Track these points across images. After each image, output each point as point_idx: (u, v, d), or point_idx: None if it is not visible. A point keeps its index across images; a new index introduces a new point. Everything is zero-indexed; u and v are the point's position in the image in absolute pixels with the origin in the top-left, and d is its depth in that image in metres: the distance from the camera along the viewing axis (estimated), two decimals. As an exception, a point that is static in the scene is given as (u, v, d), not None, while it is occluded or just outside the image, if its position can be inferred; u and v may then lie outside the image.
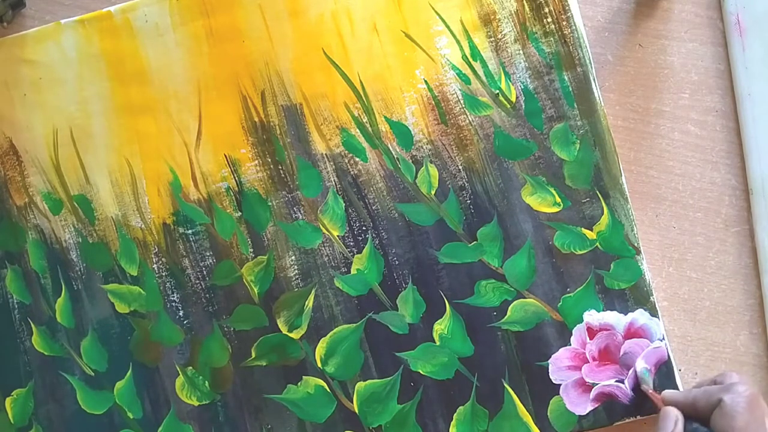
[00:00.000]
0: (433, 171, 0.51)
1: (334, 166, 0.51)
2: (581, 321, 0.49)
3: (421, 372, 0.50)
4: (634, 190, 0.51)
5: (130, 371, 0.51)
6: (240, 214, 0.51)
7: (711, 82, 0.52)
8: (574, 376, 0.48)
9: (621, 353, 0.48)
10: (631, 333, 0.48)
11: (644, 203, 0.51)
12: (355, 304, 0.50)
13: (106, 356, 0.51)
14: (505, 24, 0.51)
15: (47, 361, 0.51)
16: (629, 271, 0.49)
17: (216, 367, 0.51)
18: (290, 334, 0.50)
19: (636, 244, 0.50)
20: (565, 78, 0.51)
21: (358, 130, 0.51)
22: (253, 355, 0.51)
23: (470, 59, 0.51)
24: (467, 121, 0.51)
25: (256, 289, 0.51)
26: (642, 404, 0.47)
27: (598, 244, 0.50)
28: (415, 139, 0.51)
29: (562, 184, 0.50)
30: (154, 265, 0.51)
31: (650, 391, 0.45)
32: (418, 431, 0.49)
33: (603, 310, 0.49)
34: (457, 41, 0.51)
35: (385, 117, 0.51)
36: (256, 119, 0.52)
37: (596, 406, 0.48)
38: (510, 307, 0.50)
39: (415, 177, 0.51)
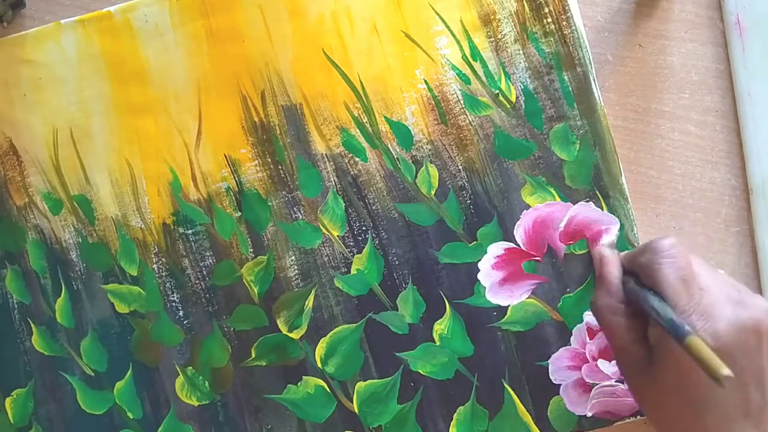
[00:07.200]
0: (433, 171, 0.51)
1: (334, 166, 0.51)
2: (581, 321, 0.49)
3: (421, 372, 0.50)
4: (634, 190, 0.51)
5: (130, 371, 0.51)
6: (240, 214, 0.51)
7: (711, 82, 0.52)
8: (574, 376, 0.48)
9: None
10: (631, 333, 0.48)
11: (644, 203, 0.51)
12: (355, 304, 0.50)
13: (106, 356, 0.51)
14: (505, 24, 0.51)
15: (47, 361, 0.51)
16: (629, 271, 0.49)
17: (216, 367, 0.51)
18: (290, 334, 0.50)
19: (636, 244, 0.50)
20: (565, 78, 0.51)
21: (358, 130, 0.51)
22: (253, 355, 0.51)
23: (470, 59, 0.51)
24: (467, 121, 0.51)
25: (256, 289, 0.51)
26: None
27: (598, 244, 0.50)
28: (415, 139, 0.51)
29: (562, 184, 0.50)
30: (154, 265, 0.51)
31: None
32: (418, 431, 0.49)
33: (603, 310, 0.49)
34: (457, 41, 0.51)
35: (385, 117, 0.51)
36: (256, 119, 0.52)
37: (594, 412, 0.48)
38: (510, 307, 0.50)
39: (415, 177, 0.51)
